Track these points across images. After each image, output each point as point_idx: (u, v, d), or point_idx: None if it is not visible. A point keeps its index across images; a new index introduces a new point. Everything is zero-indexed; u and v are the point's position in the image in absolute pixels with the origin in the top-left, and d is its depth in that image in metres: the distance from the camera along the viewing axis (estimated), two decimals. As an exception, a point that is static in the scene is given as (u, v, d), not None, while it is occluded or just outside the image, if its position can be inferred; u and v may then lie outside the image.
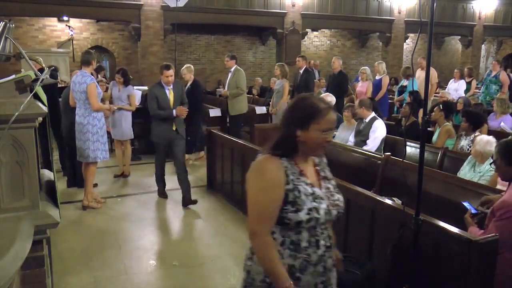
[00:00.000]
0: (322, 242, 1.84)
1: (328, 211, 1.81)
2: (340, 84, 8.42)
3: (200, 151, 7.66)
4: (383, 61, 10.17)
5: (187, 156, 6.91)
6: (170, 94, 5.31)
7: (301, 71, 8.01)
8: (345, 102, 8.77)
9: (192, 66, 7.39)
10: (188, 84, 7.19)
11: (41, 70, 2.58)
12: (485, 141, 3.96)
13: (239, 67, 7.48)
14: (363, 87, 8.37)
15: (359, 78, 8.90)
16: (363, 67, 8.90)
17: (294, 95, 8.42)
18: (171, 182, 6.40)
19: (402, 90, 8.74)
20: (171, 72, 5.24)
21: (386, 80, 8.50)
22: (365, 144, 5.29)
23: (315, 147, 1.83)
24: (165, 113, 5.25)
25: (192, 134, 7.18)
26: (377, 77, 8.54)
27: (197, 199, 5.41)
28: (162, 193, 5.71)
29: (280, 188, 1.75)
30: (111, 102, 6.63)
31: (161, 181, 5.70)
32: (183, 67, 7.35)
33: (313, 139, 1.79)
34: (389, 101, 8.97)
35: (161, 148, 5.45)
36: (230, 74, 7.41)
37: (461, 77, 9.18)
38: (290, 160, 1.82)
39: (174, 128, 5.31)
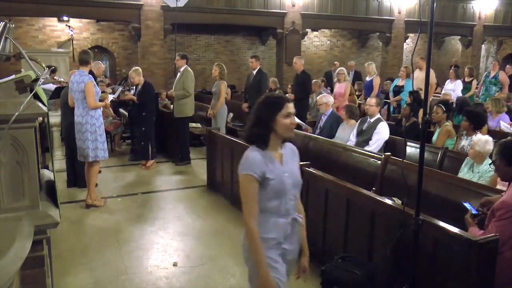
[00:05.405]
0: None
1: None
2: (303, 84, 8.05)
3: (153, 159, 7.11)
4: (383, 61, 10.16)
5: (148, 163, 6.85)
6: None
7: (254, 72, 7.60)
8: (310, 102, 8.48)
9: (140, 69, 7.09)
10: (139, 87, 6.98)
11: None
12: (484, 141, 3.96)
13: (189, 68, 7.11)
14: (341, 88, 8.21)
15: (337, 79, 8.50)
16: (340, 68, 8.71)
17: (246, 96, 8.07)
18: (170, 183, 6.39)
19: (397, 90, 8.70)
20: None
21: (377, 81, 8.44)
22: (367, 144, 5.30)
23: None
24: None
25: (145, 138, 6.96)
26: (368, 78, 8.48)
27: (197, 198, 5.36)
28: None
29: None
30: None
31: None
32: (131, 70, 7.08)
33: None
34: (385, 100, 8.92)
35: None
36: (178, 74, 7.09)
37: (457, 77, 9.15)
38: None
39: None
